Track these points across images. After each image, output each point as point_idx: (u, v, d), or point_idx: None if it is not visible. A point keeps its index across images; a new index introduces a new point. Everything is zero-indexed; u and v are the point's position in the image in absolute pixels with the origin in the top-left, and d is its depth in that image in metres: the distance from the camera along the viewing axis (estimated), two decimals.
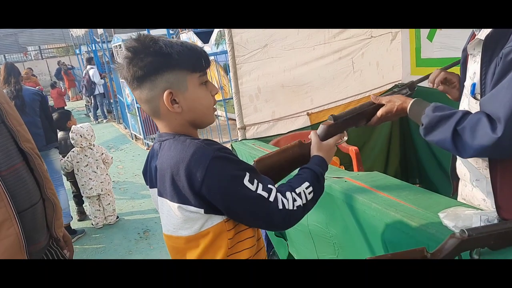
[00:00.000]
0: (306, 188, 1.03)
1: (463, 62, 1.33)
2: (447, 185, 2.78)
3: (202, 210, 0.95)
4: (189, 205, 0.95)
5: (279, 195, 0.98)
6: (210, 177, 0.91)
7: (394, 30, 2.98)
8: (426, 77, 1.53)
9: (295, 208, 0.98)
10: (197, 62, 0.99)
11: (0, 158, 1.29)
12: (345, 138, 1.27)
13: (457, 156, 1.35)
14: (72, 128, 3.85)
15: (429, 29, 2.76)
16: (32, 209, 1.37)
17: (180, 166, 0.93)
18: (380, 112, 1.29)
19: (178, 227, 1.01)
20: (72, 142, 3.80)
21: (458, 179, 1.41)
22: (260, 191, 0.95)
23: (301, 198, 1.00)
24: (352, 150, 2.57)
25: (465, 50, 1.30)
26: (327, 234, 1.67)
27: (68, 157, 3.84)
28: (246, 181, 0.94)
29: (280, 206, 0.96)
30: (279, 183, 1.16)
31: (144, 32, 1.03)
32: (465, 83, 1.29)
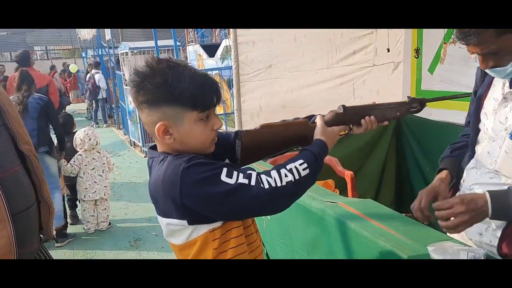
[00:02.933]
0: (300, 165, 1.01)
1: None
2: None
3: (185, 222, 0.99)
4: (173, 218, 1.00)
5: (263, 176, 0.97)
6: (186, 186, 0.94)
7: (396, 60, 3.04)
8: (437, 99, 1.50)
9: (284, 183, 0.97)
10: (201, 101, 0.98)
11: (0, 161, 1.31)
12: (351, 133, 1.26)
13: (463, 187, 1.36)
14: (85, 130, 3.91)
15: (430, 62, 2.82)
16: (27, 212, 1.38)
17: (158, 184, 0.99)
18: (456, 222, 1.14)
19: (169, 236, 1.06)
20: (87, 145, 3.84)
21: None
22: (240, 180, 0.95)
23: (292, 174, 0.99)
24: (347, 174, 2.59)
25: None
26: (313, 256, 1.69)
27: (74, 161, 3.85)
28: (223, 177, 0.94)
29: (266, 186, 0.95)
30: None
31: (157, 57, 1.01)
32: (491, 126, 1.28)
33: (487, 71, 1.21)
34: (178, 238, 1.03)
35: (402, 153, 3.15)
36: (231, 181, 0.94)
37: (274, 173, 0.98)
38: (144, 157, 6.81)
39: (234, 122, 2.90)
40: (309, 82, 2.80)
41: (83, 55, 14.77)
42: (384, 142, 3.14)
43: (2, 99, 1.37)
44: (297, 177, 0.99)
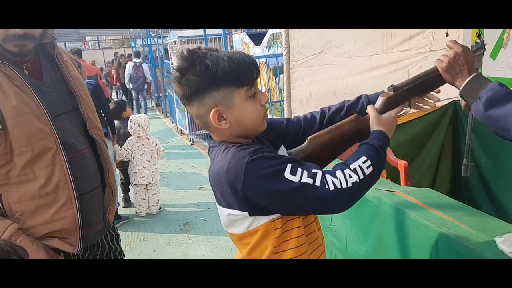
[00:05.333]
0: (363, 163, 0.98)
1: None
2: (493, 215, 2.67)
3: (246, 213, 0.99)
4: (234, 209, 1.00)
5: (328, 176, 0.95)
6: (250, 179, 0.94)
7: None
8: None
9: (349, 185, 0.95)
10: (244, 76, 0.98)
11: (70, 143, 1.38)
12: (408, 109, 1.20)
13: None
14: (131, 118, 4.05)
15: (492, 47, 2.65)
16: (91, 193, 1.45)
17: (221, 174, 0.98)
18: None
19: (228, 226, 1.07)
20: (131, 131, 3.99)
21: None
22: (304, 179, 0.93)
23: (357, 174, 0.96)
24: (401, 164, 2.51)
25: None
26: (367, 245, 1.65)
27: (127, 145, 4.01)
28: (287, 174, 0.93)
29: (331, 187, 0.93)
30: (335, 161, 1.14)
31: (194, 47, 1.03)
32: None
33: None
34: (238, 228, 1.03)
35: (459, 143, 3.01)
36: (295, 179, 0.93)
37: (339, 173, 0.96)
38: (191, 144, 6.97)
39: (279, 111, 2.89)
40: (362, 69, 2.71)
41: (132, 45, 15.22)
42: (440, 132, 3.01)
43: (77, 84, 1.44)
44: (361, 176, 0.97)
